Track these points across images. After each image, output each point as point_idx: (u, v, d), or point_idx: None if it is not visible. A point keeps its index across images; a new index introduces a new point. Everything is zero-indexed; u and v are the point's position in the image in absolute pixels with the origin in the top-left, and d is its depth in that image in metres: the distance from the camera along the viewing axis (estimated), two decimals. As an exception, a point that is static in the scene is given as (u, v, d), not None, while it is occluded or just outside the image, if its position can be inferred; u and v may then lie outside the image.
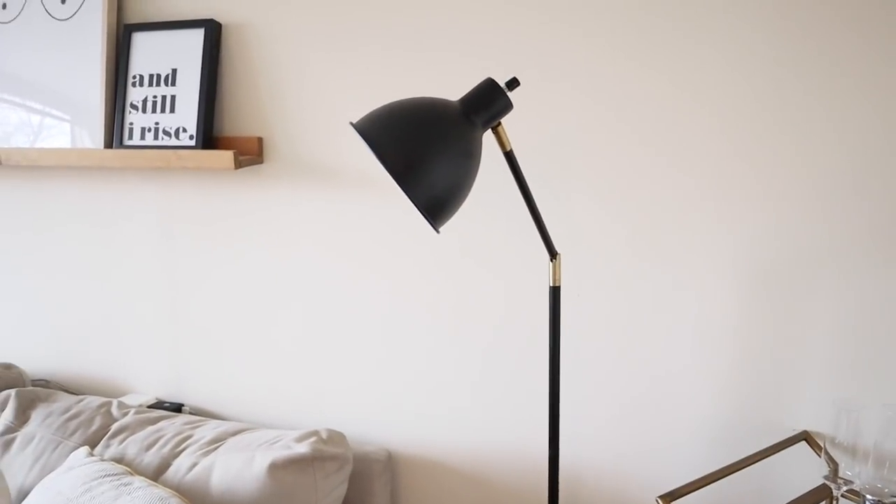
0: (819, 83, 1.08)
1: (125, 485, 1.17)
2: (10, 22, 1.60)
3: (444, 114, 0.89)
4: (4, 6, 1.60)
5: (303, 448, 1.23)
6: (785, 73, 1.10)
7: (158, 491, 1.13)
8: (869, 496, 0.98)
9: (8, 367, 1.67)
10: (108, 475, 1.21)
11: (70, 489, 1.18)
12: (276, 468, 1.20)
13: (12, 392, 1.57)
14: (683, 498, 1.26)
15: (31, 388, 1.61)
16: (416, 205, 0.84)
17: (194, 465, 1.30)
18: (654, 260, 1.22)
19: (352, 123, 0.87)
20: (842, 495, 1.09)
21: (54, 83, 1.55)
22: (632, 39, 1.17)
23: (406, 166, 0.83)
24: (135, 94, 1.49)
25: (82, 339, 1.74)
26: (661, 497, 1.03)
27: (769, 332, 1.18)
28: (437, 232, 0.89)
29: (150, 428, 1.44)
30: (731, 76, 1.13)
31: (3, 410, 1.55)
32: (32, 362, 1.80)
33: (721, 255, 1.18)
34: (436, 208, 0.86)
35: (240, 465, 1.24)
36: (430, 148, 0.85)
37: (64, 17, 1.55)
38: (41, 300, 1.77)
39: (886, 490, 1.02)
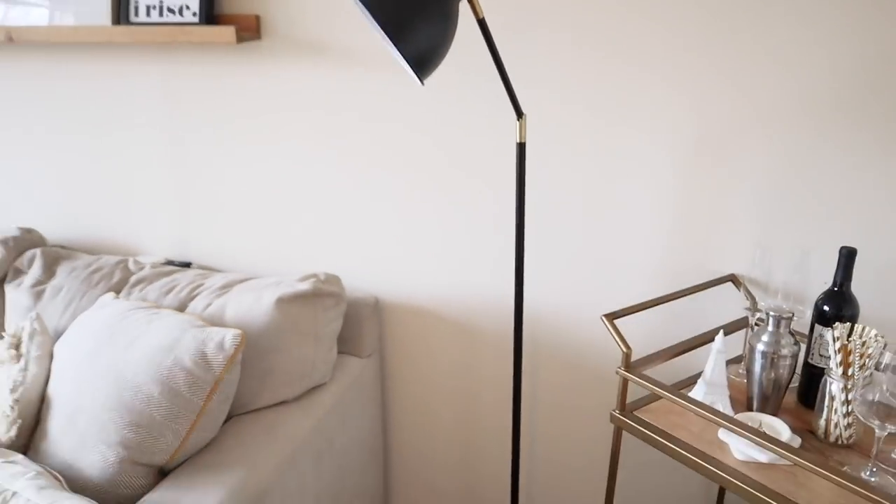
0: (752, -35, 1.25)
1: (155, 313, 1.37)
2: None
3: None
4: None
5: (305, 286, 1.44)
6: (723, -44, 1.26)
7: (186, 316, 1.34)
8: (772, 312, 1.21)
9: (29, 230, 1.84)
10: (139, 308, 1.42)
11: (108, 318, 1.38)
12: (282, 302, 1.41)
13: (37, 251, 1.75)
14: (630, 322, 1.50)
15: (53, 247, 1.79)
16: (405, 58, 1.01)
17: (209, 304, 1.50)
18: (609, 123, 1.41)
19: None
20: (755, 322, 1.33)
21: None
22: (593, -76, 1.32)
23: (397, 26, 1.00)
24: (138, -26, 1.61)
25: (94, 207, 1.91)
26: (605, 315, 1.26)
27: (704, 188, 1.39)
28: (422, 83, 1.07)
29: (165, 279, 1.64)
30: (678, -41, 1.29)
31: (30, 267, 1.74)
32: (49, 228, 1.97)
33: (666, 121, 1.37)
34: (421, 63, 1.03)
35: (250, 302, 1.44)
36: (416, 11, 1.02)
37: None
38: (55, 171, 1.92)
39: (785, 307, 1.26)
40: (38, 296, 1.67)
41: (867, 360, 1.09)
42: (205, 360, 1.22)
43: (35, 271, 1.71)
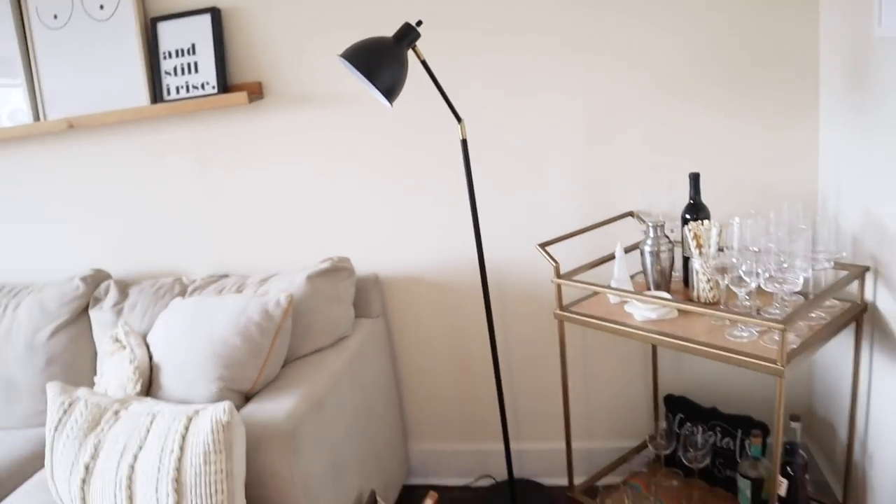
0: None
1: (222, 296, 1.91)
2: (61, 28, 2.25)
3: (385, 42, 1.65)
4: (56, 16, 2.26)
5: (326, 265, 2.00)
6: (576, -3, 1.89)
7: (246, 292, 1.89)
8: (651, 223, 1.80)
9: (98, 270, 2.37)
10: (207, 298, 1.96)
11: (187, 308, 1.92)
12: (311, 278, 1.96)
13: (110, 282, 2.29)
14: (562, 251, 2.06)
15: (120, 279, 2.32)
16: (379, 90, 1.60)
17: (255, 292, 2.04)
18: (526, 109, 2.01)
19: (340, 55, 1.62)
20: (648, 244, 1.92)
21: (104, 65, 2.22)
22: (488, -13, 1.94)
23: (370, 71, 1.59)
24: (167, 65, 2.18)
25: (145, 244, 2.45)
26: (539, 244, 1.83)
27: (606, 143, 1.99)
28: (391, 105, 1.65)
29: (214, 284, 2.18)
30: None
31: (107, 294, 2.26)
32: (112, 266, 2.49)
33: (573, 95, 1.98)
34: (389, 92, 1.62)
35: (287, 283, 1.99)
36: (381, 60, 1.61)
37: (103, 19, 2.21)
38: (113, 222, 2.46)
39: (663, 221, 1.85)
40: (118, 313, 2.20)
41: (709, 241, 1.67)
42: (268, 315, 1.77)
43: (112, 296, 2.24)
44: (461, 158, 1.88)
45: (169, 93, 2.19)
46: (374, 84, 1.60)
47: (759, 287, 1.51)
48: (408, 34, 1.68)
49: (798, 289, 1.48)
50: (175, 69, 2.18)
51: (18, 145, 2.43)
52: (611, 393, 2.24)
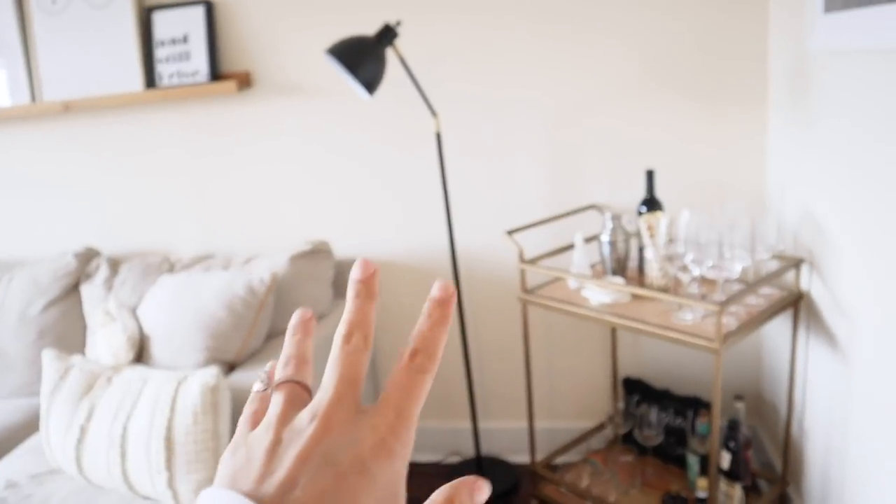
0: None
1: (208, 273, 2.03)
2: (59, 13, 2.35)
3: (366, 39, 1.77)
4: (54, 2, 2.35)
5: (307, 246, 2.13)
6: None
7: (231, 270, 2.01)
8: (609, 215, 1.94)
9: (90, 248, 2.47)
10: (195, 273, 2.08)
11: (175, 283, 2.04)
12: (294, 258, 2.09)
13: (101, 258, 2.39)
14: (529, 239, 2.20)
15: (112, 256, 2.43)
16: (360, 82, 1.73)
17: (240, 270, 2.16)
18: (500, 103, 2.15)
19: (326, 50, 1.75)
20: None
21: (100, 50, 2.33)
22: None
23: (352, 65, 1.72)
24: (160, 53, 2.30)
25: (135, 224, 2.56)
26: (507, 231, 1.97)
27: (571, 141, 2.13)
28: (371, 95, 1.78)
29: (202, 263, 2.30)
30: None
31: (97, 271, 2.37)
32: (102, 245, 2.60)
33: (540, 95, 2.12)
34: (369, 84, 1.75)
35: (270, 263, 2.12)
36: (363, 56, 1.74)
37: (100, 6, 2.31)
38: (104, 201, 2.56)
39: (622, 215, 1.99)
40: (109, 288, 2.31)
41: (659, 231, 1.82)
42: (252, 290, 1.90)
43: (102, 273, 2.35)
44: (436, 150, 2.01)
45: (162, 79, 2.30)
46: (355, 77, 1.73)
47: (703, 275, 1.65)
48: (387, 34, 1.81)
49: (736, 276, 1.63)
50: (168, 57, 2.29)
51: (14, 125, 2.53)
52: (573, 375, 2.39)
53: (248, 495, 0.34)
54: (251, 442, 0.38)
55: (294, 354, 0.42)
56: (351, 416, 0.37)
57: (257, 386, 0.43)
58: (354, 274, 0.42)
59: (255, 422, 0.40)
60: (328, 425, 0.37)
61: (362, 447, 0.36)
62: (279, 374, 0.41)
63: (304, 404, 0.39)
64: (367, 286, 0.42)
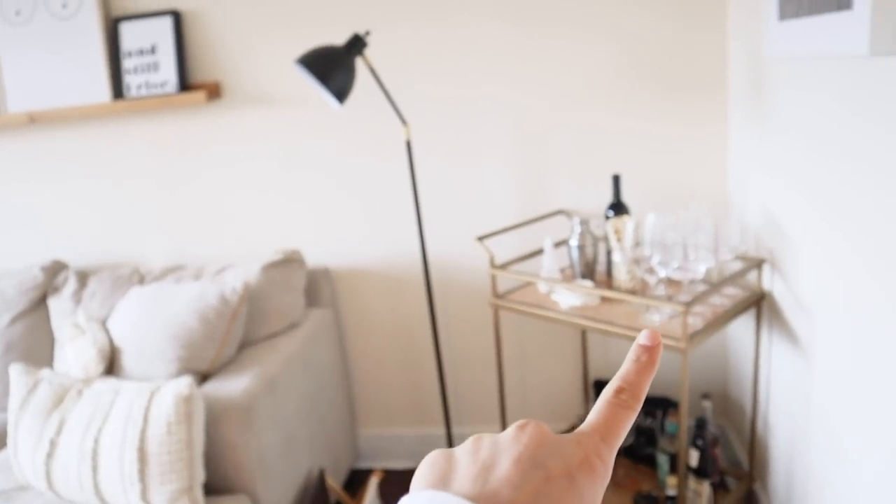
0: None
1: (180, 284, 2.03)
2: (24, 24, 2.34)
3: (336, 50, 1.79)
4: (18, 13, 2.34)
5: (279, 256, 2.13)
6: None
7: (203, 281, 2.01)
8: (578, 220, 1.98)
9: (57, 261, 2.45)
10: (166, 284, 2.07)
11: (146, 294, 2.03)
12: (266, 267, 2.09)
13: (69, 271, 2.37)
14: (499, 245, 2.23)
15: (80, 269, 2.41)
16: (330, 92, 1.74)
17: (213, 280, 2.16)
18: (469, 110, 2.18)
19: (296, 60, 1.76)
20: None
21: (65, 62, 2.31)
22: None
23: (323, 76, 1.74)
24: (128, 64, 2.29)
25: (104, 236, 2.53)
26: (478, 237, 2.00)
27: (538, 147, 2.17)
28: (341, 104, 1.80)
29: (173, 274, 2.29)
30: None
31: (65, 284, 2.35)
32: (70, 257, 2.57)
33: (508, 103, 2.15)
34: (339, 94, 1.77)
35: (242, 272, 2.12)
36: (333, 67, 1.76)
37: (65, 17, 2.30)
38: (71, 214, 2.54)
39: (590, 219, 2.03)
40: (77, 301, 2.29)
41: (626, 235, 1.86)
42: (224, 300, 1.89)
43: (70, 285, 2.33)
44: (406, 158, 2.03)
45: (130, 90, 2.29)
46: (326, 87, 1.74)
47: (669, 277, 1.70)
48: (356, 44, 1.83)
49: (700, 277, 1.67)
50: (136, 68, 2.28)
51: (-22, 138, 2.49)
52: (545, 378, 2.42)
53: (466, 496, 0.36)
54: (458, 452, 0.40)
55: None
56: (570, 441, 0.41)
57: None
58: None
59: None
60: (541, 438, 0.40)
61: (571, 460, 0.39)
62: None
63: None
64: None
